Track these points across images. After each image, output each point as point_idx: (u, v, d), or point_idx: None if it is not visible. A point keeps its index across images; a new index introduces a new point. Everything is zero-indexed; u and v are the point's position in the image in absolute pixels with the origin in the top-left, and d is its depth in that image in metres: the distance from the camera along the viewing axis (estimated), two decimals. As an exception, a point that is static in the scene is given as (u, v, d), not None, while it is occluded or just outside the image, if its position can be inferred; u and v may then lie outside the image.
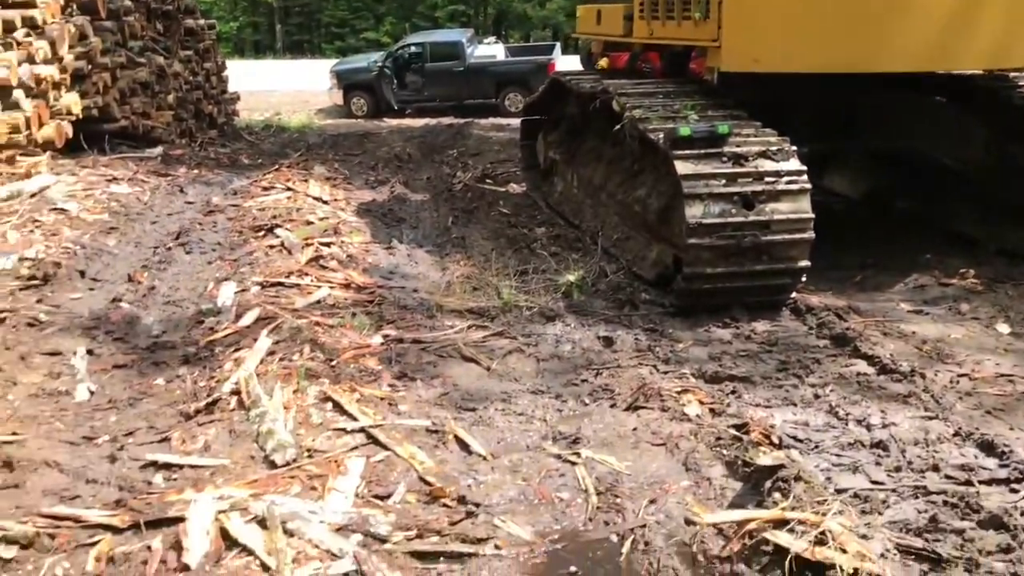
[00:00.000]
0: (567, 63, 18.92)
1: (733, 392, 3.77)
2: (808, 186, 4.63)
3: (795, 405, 3.68)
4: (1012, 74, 5.74)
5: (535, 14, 38.67)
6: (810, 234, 4.60)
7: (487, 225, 6.89)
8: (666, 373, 3.98)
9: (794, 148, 4.75)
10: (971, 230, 6.05)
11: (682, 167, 4.59)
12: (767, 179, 4.60)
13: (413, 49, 17.14)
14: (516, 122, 15.69)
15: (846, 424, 3.50)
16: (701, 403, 3.59)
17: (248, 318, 4.46)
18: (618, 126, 5.26)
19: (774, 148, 4.72)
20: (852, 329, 4.42)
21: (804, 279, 4.78)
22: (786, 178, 4.61)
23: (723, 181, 4.58)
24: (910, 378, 3.90)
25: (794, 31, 4.94)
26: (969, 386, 3.91)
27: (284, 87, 19.89)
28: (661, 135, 4.78)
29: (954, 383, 3.93)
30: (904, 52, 4.95)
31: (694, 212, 4.51)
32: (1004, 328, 4.65)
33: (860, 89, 5.51)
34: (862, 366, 4.08)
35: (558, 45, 19.40)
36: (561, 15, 38.98)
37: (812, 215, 4.60)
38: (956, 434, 3.38)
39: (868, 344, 4.26)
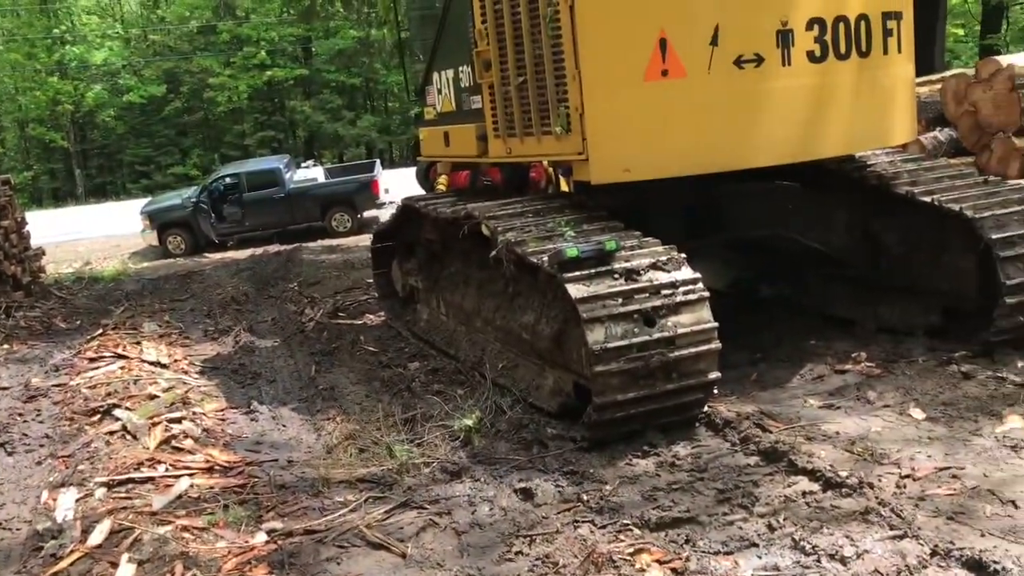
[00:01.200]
0: (390, 179, 18.84)
1: (687, 541, 3.36)
2: (706, 294, 4.39)
3: (756, 546, 3.30)
4: (858, 155, 5.82)
5: (347, 132, 38.71)
6: (716, 344, 4.34)
7: (355, 367, 6.31)
8: (605, 527, 3.53)
9: (683, 256, 4.52)
10: (846, 312, 6.03)
11: (575, 290, 4.24)
12: (664, 292, 4.32)
13: (228, 180, 16.67)
14: (346, 242, 15.55)
15: (818, 561, 3.15)
16: (660, 563, 3.16)
17: (98, 534, 3.71)
18: (493, 252, 4.88)
19: (664, 258, 4.46)
20: (781, 442, 4.14)
21: (716, 391, 4.50)
22: (683, 288, 4.35)
23: (620, 300, 4.26)
24: (859, 491, 3.62)
25: (661, 138, 4.77)
26: (917, 489, 3.67)
27: (91, 234, 18.66)
28: (545, 258, 4.44)
29: (902, 488, 3.68)
30: (770, 147, 4.88)
31: (596, 337, 4.15)
32: (918, 413, 4.51)
33: (721, 183, 5.41)
34: (805, 483, 3.78)
35: (378, 162, 19.44)
36: (373, 131, 39.24)
37: (715, 324, 4.35)
38: (935, 554, 3.10)
39: (801, 456, 3.98)
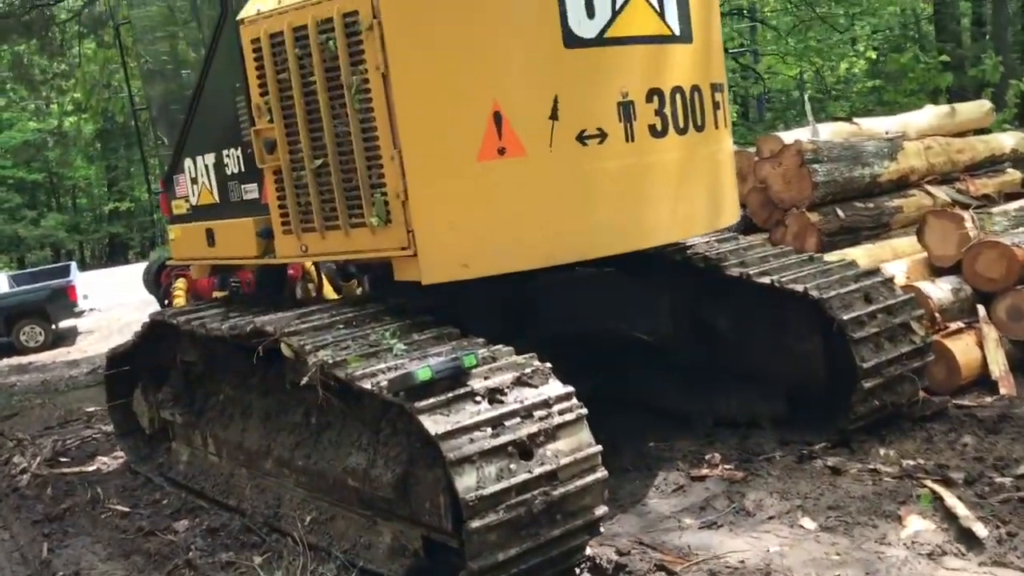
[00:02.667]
0: (89, 283, 16.63)
1: None
2: (584, 411, 3.63)
3: None
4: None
5: (29, 233, 34.58)
6: (603, 472, 3.58)
7: (101, 536, 4.85)
8: None
9: (548, 366, 3.75)
10: (679, 405, 5.55)
11: (432, 423, 3.31)
12: (537, 414, 3.50)
13: None
14: (40, 358, 13.35)
15: None
16: None
17: None
18: (304, 377, 3.82)
19: (528, 371, 3.66)
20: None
21: (602, 529, 3.72)
22: (557, 407, 3.56)
23: (489, 431, 3.38)
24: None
25: (502, 226, 4.03)
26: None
27: None
28: (384, 383, 3.48)
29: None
30: (616, 233, 4.27)
31: (467, 483, 3.24)
32: (809, 523, 4.01)
33: (539, 273, 4.75)
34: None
35: (74, 265, 17.19)
36: (61, 231, 35.41)
37: (598, 447, 3.60)
38: None
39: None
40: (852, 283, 4.91)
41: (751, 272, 5.00)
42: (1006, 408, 4.96)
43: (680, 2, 4.42)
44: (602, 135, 4.10)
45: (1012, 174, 7.91)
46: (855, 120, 7.53)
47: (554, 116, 4.01)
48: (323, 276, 5.96)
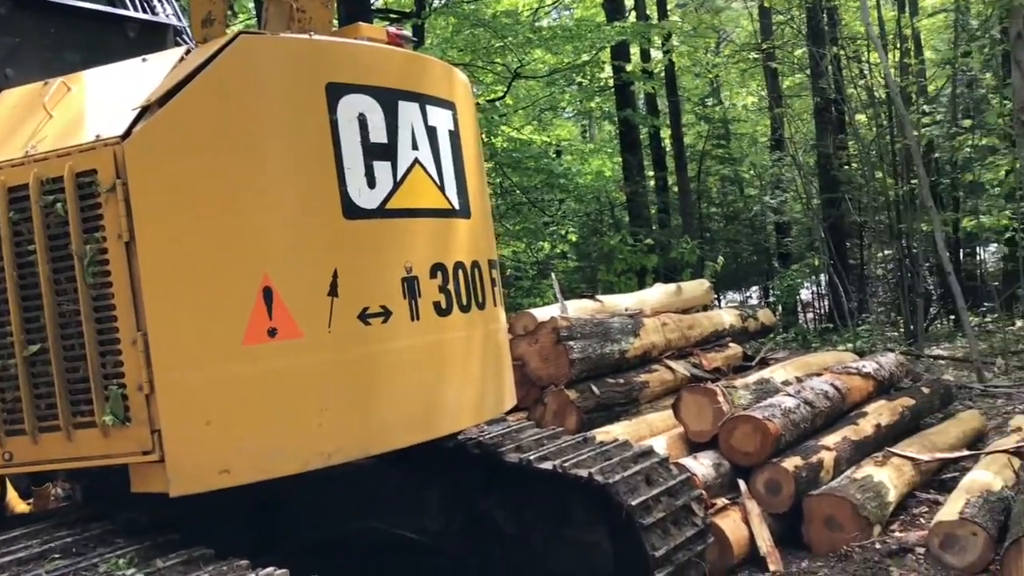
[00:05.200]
0: None
1: None
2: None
3: None
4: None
5: None
6: None
7: None
8: None
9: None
10: (451, 611, 4.98)
11: None
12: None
13: None
14: None
15: None
16: None
17: None
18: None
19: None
20: None
21: None
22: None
23: None
24: None
25: (273, 422, 3.41)
26: None
27: None
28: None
29: None
30: (402, 423, 3.81)
31: None
32: None
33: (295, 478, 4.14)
34: None
35: None
36: None
37: None
38: None
39: None
40: (632, 465, 4.73)
41: (531, 458, 4.68)
42: (782, 587, 4.91)
43: (458, 176, 4.20)
44: (386, 313, 3.68)
45: (734, 348, 8.43)
46: (598, 297, 7.72)
47: (333, 292, 3.53)
48: (5, 480, 4.86)
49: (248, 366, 3.36)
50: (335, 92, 3.65)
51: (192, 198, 3.36)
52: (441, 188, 4.07)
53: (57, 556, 3.26)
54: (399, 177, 3.82)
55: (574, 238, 22.88)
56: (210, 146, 3.41)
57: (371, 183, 3.70)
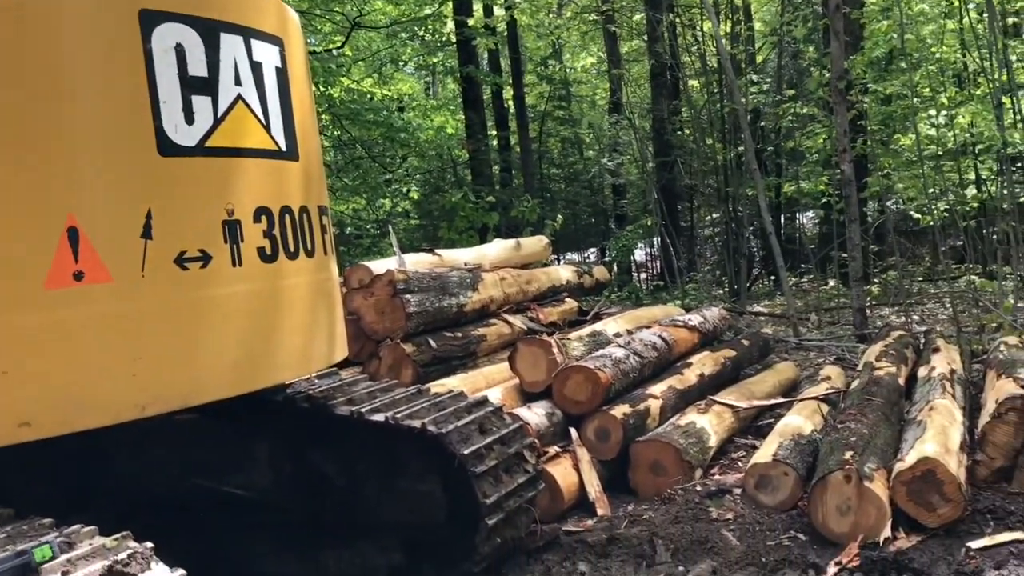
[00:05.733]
0: None
1: None
2: (204, 600, 2.89)
3: None
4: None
5: None
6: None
7: None
8: None
9: (150, 547, 2.95)
10: (283, 567, 4.86)
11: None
12: (139, 614, 2.70)
13: None
14: None
15: None
16: None
17: None
18: None
19: (122, 556, 2.84)
20: None
21: None
22: (165, 600, 2.79)
23: (74, 650, 2.52)
24: None
25: (78, 372, 3.19)
26: None
27: None
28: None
29: None
30: (221, 374, 3.64)
31: None
32: None
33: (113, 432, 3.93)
34: None
35: None
36: None
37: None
38: None
39: None
40: (466, 415, 4.73)
41: (362, 410, 4.60)
42: (609, 530, 5.05)
43: (286, 116, 4.02)
44: (206, 257, 3.49)
45: (570, 303, 8.58)
46: (437, 251, 7.66)
47: (147, 234, 3.32)
48: None
49: (50, 312, 3.11)
50: (149, 20, 3.40)
51: (-16, 126, 3.06)
52: (267, 128, 3.88)
53: None
54: (220, 114, 3.61)
55: (416, 195, 22.70)
56: (4, 77, 3.11)
57: (189, 119, 3.48)
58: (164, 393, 3.40)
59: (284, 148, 4.01)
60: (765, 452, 5.29)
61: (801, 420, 5.82)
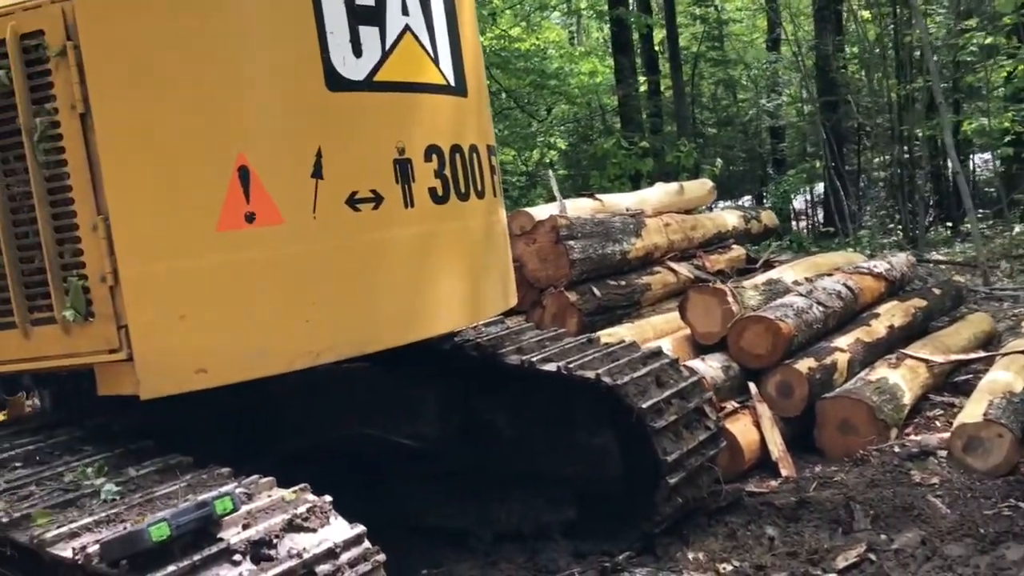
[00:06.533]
0: None
1: None
2: (382, 557, 2.74)
3: None
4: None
5: None
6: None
7: None
8: None
9: (328, 500, 2.83)
10: (448, 519, 4.73)
11: (176, 609, 2.28)
12: (321, 568, 2.57)
13: None
14: None
15: None
16: None
17: None
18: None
19: (301, 510, 2.72)
20: None
21: None
22: (347, 555, 2.65)
23: (258, 605, 2.40)
24: None
25: (250, 318, 3.08)
26: None
27: None
28: (93, 550, 2.38)
29: None
30: (395, 320, 3.48)
31: None
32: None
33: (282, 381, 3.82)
34: None
35: None
36: None
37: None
38: None
39: None
40: (641, 366, 4.44)
41: (533, 359, 4.38)
42: (797, 492, 4.68)
43: (454, 49, 3.78)
44: (377, 198, 3.31)
45: (737, 250, 8.11)
46: (598, 196, 7.34)
47: (317, 174, 3.16)
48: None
49: (224, 254, 3.00)
50: (315, -53, 3.21)
51: (155, 64, 2.95)
52: (435, 61, 3.65)
53: (18, 464, 2.97)
54: (388, 46, 3.40)
55: (563, 145, 22.33)
56: (174, 4, 2.98)
57: (357, 51, 3.29)
58: (338, 340, 3.26)
59: (453, 83, 3.78)
60: (973, 411, 4.77)
61: (1010, 376, 5.24)
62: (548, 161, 23.08)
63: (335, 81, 3.21)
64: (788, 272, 6.64)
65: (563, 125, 23.13)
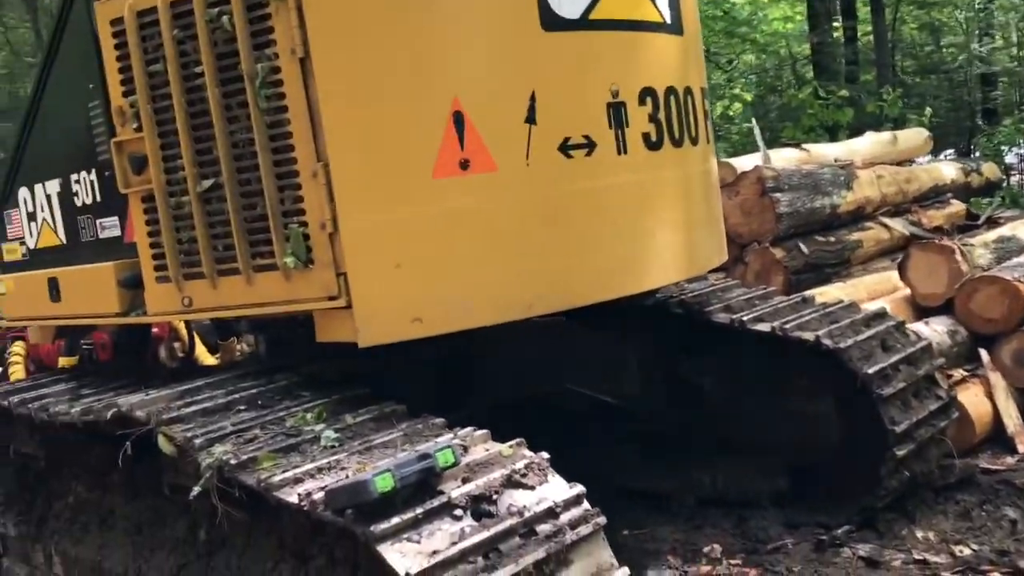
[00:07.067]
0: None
1: None
2: (603, 520, 2.62)
3: None
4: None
5: None
6: (629, 605, 2.57)
7: None
8: None
9: (546, 457, 2.72)
10: (649, 482, 4.56)
11: (400, 557, 2.23)
12: (541, 528, 2.47)
13: None
14: None
15: None
16: None
17: None
18: (196, 487, 2.66)
19: (520, 465, 2.62)
20: None
21: None
22: (567, 515, 2.54)
23: (480, 562, 2.32)
24: None
25: (465, 267, 3.00)
26: None
27: None
28: (318, 498, 2.37)
29: None
30: (609, 273, 3.32)
31: (456, 646, 2.16)
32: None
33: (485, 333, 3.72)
34: None
35: None
36: None
37: (624, 568, 2.59)
38: None
39: None
40: (864, 329, 4.09)
41: (744, 318, 4.12)
42: (1038, 470, 4.23)
43: (669, -16, 3.54)
44: (591, 144, 3.15)
45: (957, 205, 7.45)
46: (804, 146, 6.89)
47: (531, 119, 3.02)
48: (194, 333, 4.76)
49: (439, 203, 2.93)
50: None
51: (372, 6, 2.89)
52: (652, -4, 3.43)
53: (242, 408, 3.03)
54: (604, -20, 3.20)
55: (749, 97, 21.39)
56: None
57: (572, -13, 3.11)
58: (549, 292, 3.14)
59: (668, 20, 3.54)
60: None
61: None
62: (731, 115, 22.20)
63: (550, 20, 3.06)
64: (1021, 229, 6.01)
65: (750, 75, 22.13)
